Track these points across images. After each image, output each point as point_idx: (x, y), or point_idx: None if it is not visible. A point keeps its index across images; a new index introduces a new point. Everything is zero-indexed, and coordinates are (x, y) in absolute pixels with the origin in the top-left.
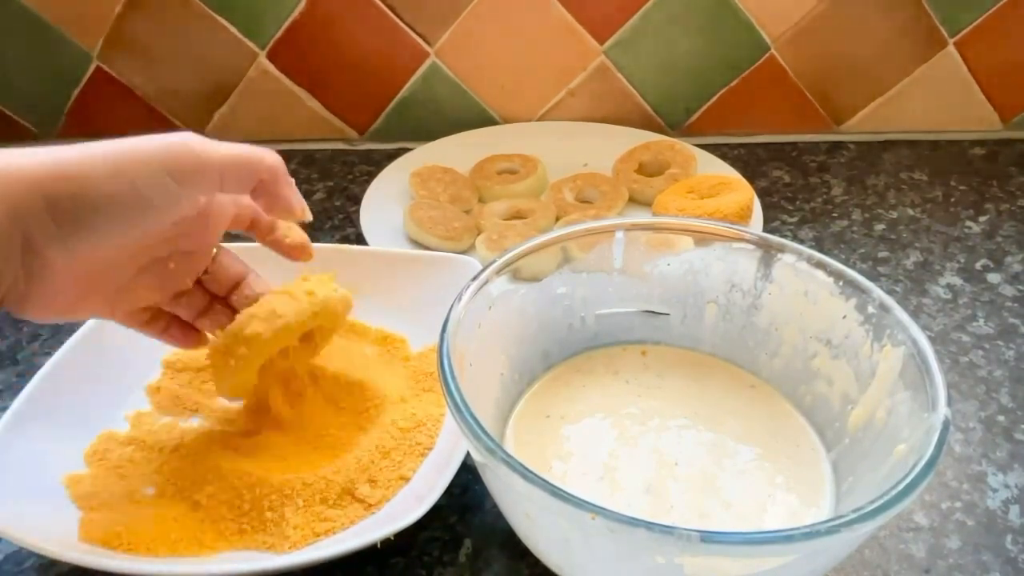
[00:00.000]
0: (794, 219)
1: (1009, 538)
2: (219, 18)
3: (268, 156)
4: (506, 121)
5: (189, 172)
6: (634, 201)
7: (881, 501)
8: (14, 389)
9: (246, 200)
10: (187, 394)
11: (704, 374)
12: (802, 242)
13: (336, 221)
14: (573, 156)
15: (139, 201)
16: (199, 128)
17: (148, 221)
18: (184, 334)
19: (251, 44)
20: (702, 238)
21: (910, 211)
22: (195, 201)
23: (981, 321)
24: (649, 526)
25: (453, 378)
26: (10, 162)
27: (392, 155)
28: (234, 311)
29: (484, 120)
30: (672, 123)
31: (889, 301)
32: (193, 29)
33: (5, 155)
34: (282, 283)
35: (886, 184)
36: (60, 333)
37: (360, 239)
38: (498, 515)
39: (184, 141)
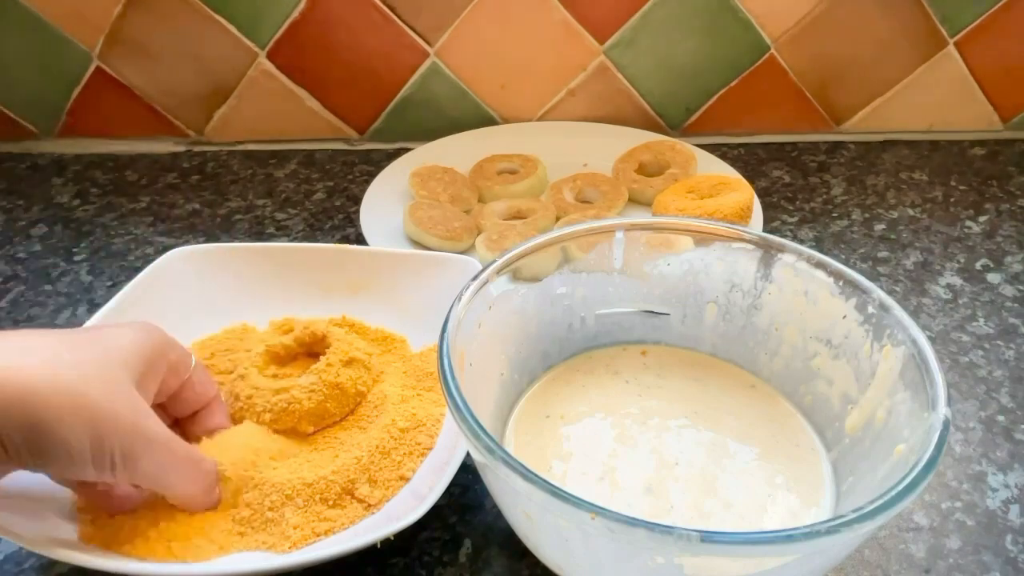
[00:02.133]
0: (794, 219)
1: (1009, 538)
2: (219, 18)
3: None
4: (506, 121)
5: (129, 474)
6: (634, 201)
7: (881, 501)
8: None
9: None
10: None
11: (704, 374)
12: (802, 242)
13: (336, 221)
14: (573, 156)
15: (95, 469)
16: (199, 128)
17: (91, 477)
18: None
19: (251, 44)
20: (702, 238)
21: (910, 211)
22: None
23: (981, 321)
24: (649, 526)
25: (453, 378)
26: (27, 365)
27: (392, 155)
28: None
29: (484, 120)
30: (672, 123)
31: (889, 301)
32: (193, 29)
33: (36, 347)
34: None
35: (886, 184)
36: None
37: (360, 239)
38: (498, 515)
39: (147, 448)
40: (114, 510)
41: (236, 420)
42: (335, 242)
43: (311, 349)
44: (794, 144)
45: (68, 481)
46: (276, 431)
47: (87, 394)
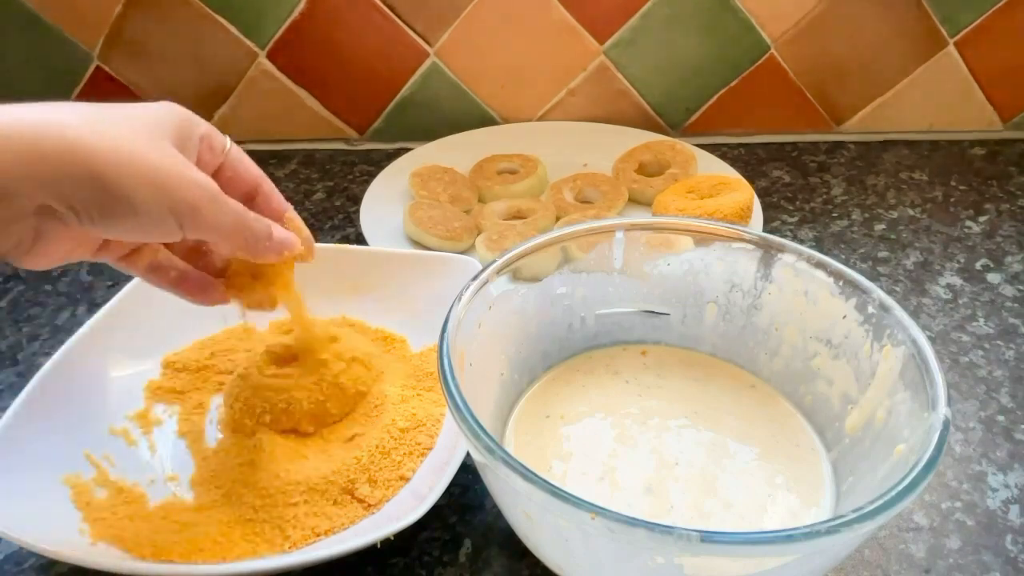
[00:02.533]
0: (794, 219)
1: (1009, 538)
2: (219, 18)
3: (261, 243)
4: (506, 121)
5: (193, 226)
6: (634, 201)
7: (881, 501)
8: (14, 389)
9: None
10: (187, 394)
11: (704, 374)
12: (802, 242)
13: (336, 221)
14: (573, 156)
15: (159, 224)
16: None
17: (156, 236)
18: (200, 288)
19: (251, 44)
20: (702, 238)
21: (910, 211)
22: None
23: (981, 321)
24: (649, 526)
25: (453, 378)
26: (69, 123)
27: (392, 155)
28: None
29: (484, 120)
30: (672, 123)
31: (889, 301)
32: (193, 29)
33: (67, 112)
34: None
35: (886, 184)
36: (60, 333)
37: (360, 239)
38: (498, 515)
39: (200, 199)
40: (208, 297)
41: (236, 421)
42: (335, 242)
43: (311, 349)
44: (794, 144)
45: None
46: (277, 431)
47: (136, 149)
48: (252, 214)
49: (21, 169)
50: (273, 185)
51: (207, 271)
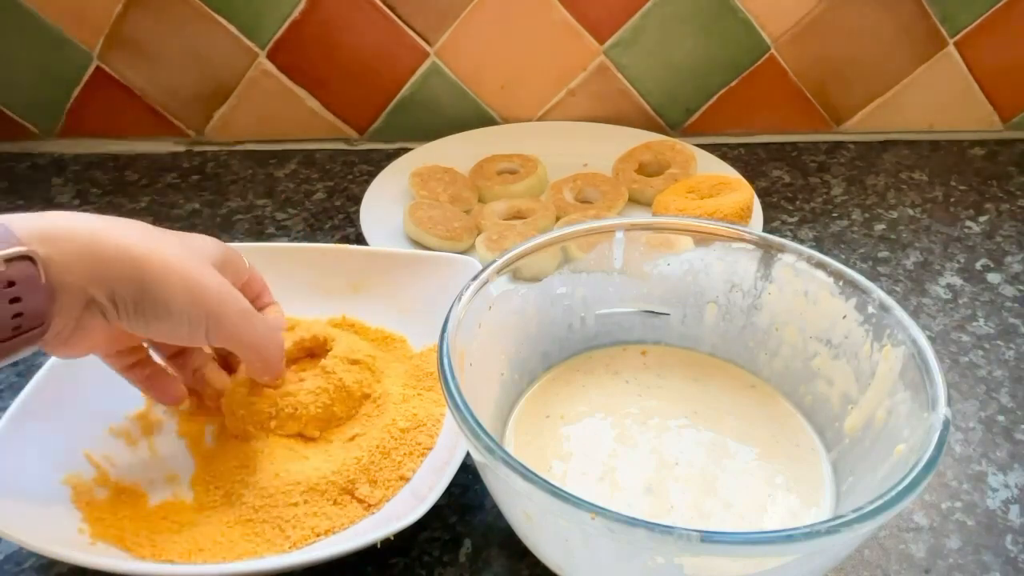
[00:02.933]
0: (794, 219)
1: (1009, 538)
2: (219, 18)
3: (273, 365)
4: (506, 121)
5: (221, 334)
6: (634, 201)
7: (881, 501)
8: (14, 389)
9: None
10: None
11: (704, 374)
12: (802, 242)
13: (336, 221)
14: (573, 156)
15: (190, 329)
16: (199, 128)
17: (183, 339)
18: (164, 388)
19: (251, 44)
20: (702, 238)
21: (910, 211)
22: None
23: (981, 321)
24: (649, 526)
25: (453, 378)
26: (126, 233)
27: (392, 155)
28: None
29: (484, 120)
30: (672, 123)
31: (889, 301)
32: (193, 29)
33: (123, 225)
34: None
35: (886, 184)
36: None
37: (360, 239)
38: (498, 515)
39: (232, 313)
40: (170, 397)
41: (239, 429)
42: (335, 242)
43: (312, 352)
44: (794, 144)
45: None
46: (280, 436)
47: (183, 265)
48: (277, 337)
49: (81, 266)
50: (274, 301)
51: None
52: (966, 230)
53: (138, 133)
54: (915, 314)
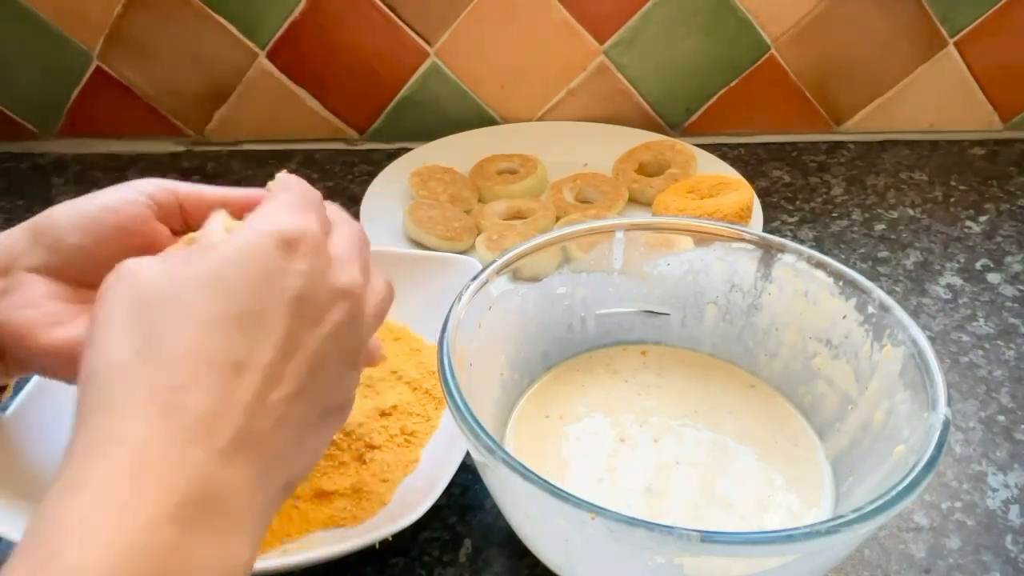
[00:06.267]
0: (794, 219)
1: (1009, 538)
2: (219, 18)
3: None
4: (506, 121)
5: None
6: (634, 201)
7: (881, 501)
8: (14, 389)
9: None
10: None
11: (704, 374)
12: (802, 242)
13: None
14: (573, 156)
15: None
16: (199, 128)
17: None
18: None
19: (251, 44)
20: (702, 238)
21: (910, 211)
22: None
23: (981, 321)
24: (649, 526)
25: (453, 378)
26: None
27: (392, 155)
28: None
29: (484, 120)
30: (672, 123)
31: (889, 301)
32: (193, 29)
33: None
34: None
35: (886, 184)
36: None
37: None
38: (498, 515)
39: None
40: None
41: None
42: None
43: None
44: (794, 144)
45: None
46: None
47: None
48: None
49: None
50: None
51: None
52: (966, 230)
53: (138, 133)
54: (915, 314)
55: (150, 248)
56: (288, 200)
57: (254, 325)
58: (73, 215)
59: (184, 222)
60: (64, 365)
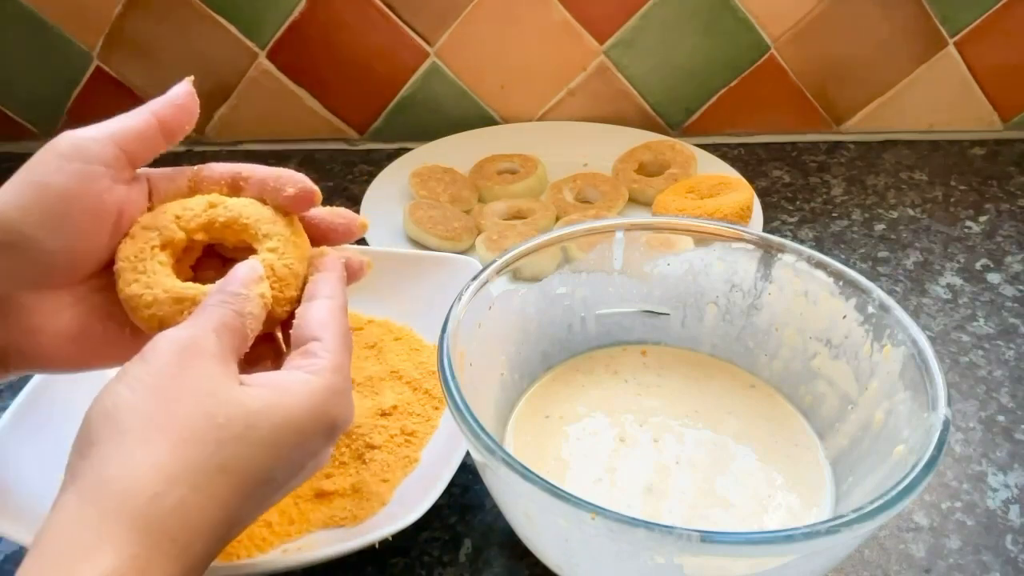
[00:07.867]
0: (794, 219)
1: (1009, 538)
2: (219, 18)
3: None
4: (506, 121)
5: None
6: (634, 201)
7: (881, 501)
8: (14, 389)
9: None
10: None
11: (704, 374)
12: (802, 242)
13: None
14: (573, 156)
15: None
16: (199, 128)
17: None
18: None
19: (251, 44)
20: (702, 238)
21: (910, 211)
22: None
23: (981, 321)
24: (649, 526)
25: (453, 378)
26: None
27: (392, 155)
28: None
29: (484, 120)
30: (672, 123)
31: (889, 301)
32: (193, 29)
33: None
34: None
35: (886, 184)
36: None
37: (360, 239)
38: (498, 515)
39: None
40: None
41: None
42: None
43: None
44: (794, 144)
45: None
46: None
47: None
48: None
49: None
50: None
51: None
52: (966, 230)
53: None
54: (915, 314)
55: (122, 218)
56: (344, 364)
57: (268, 483)
58: (34, 218)
59: (143, 157)
60: (69, 349)
